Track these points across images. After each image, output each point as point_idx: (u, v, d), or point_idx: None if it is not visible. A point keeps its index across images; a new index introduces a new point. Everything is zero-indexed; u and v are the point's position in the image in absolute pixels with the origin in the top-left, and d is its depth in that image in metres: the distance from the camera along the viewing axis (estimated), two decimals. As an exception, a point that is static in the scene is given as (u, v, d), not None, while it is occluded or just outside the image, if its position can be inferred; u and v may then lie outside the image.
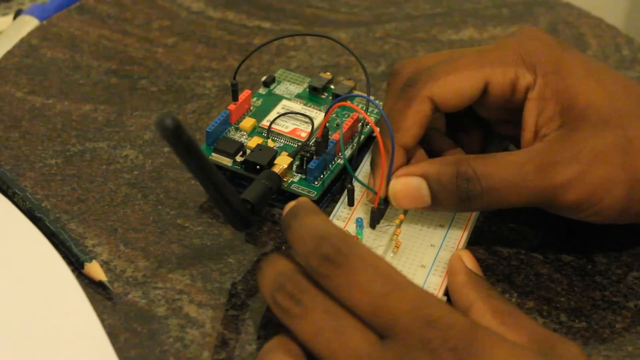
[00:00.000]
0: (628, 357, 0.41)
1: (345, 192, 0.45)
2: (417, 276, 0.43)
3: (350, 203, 0.45)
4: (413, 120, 0.43)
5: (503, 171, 0.42)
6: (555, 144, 0.42)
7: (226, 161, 0.47)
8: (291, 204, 0.39)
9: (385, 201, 0.44)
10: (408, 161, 0.44)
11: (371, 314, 0.35)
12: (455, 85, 0.43)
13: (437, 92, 0.43)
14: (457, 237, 0.44)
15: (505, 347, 0.35)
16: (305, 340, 0.37)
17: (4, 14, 0.65)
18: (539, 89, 0.43)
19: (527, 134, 0.44)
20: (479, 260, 0.43)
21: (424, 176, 0.43)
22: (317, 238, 0.37)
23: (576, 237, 0.46)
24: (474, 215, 0.46)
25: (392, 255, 0.44)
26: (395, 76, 0.46)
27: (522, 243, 0.46)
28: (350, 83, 0.51)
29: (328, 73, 0.52)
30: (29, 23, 0.60)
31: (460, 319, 0.35)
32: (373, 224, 0.45)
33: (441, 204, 0.43)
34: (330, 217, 0.45)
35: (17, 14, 0.62)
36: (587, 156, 0.42)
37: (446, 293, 0.42)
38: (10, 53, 0.57)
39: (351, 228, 0.44)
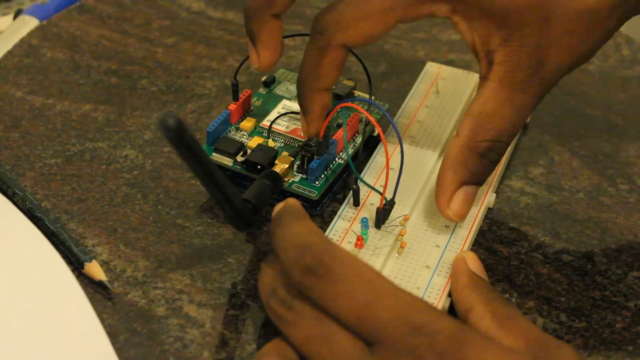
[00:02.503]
0: (628, 357, 0.41)
1: (351, 192, 0.45)
2: (422, 277, 0.42)
3: (356, 203, 0.45)
4: (330, 67, 0.43)
5: (494, 121, 0.42)
6: (514, 60, 0.42)
7: (227, 161, 0.47)
8: (278, 206, 0.39)
9: (391, 201, 0.44)
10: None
11: (356, 323, 0.35)
12: (367, 31, 0.42)
13: (349, 40, 0.42)
14: (463, 238, 0.44)
15: (495, 351, 0.35)
16: (297, 346, 0.37)
17: (4, 14, 0.65)
18: (461, 12, 0.42)
19: (474, 52, 0.43)
20: (479, 260, 0.43)
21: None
22: (299, 248, 0.36)
23: (576, 237, 0.46)
24: (480, 216, 0.46)
25: (396, 255, 0.43)
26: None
27: (522, 243, 0.46)
28: (351, 83, 0.51)
29: (328, 73, 0.52)
30: (29, 23, 0.60)
31: (448, 324, 0.34)
32: (378, 224, 0.44)
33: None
34: (336, 217, 0.45)
35: (17, 14, 0.62)
36: (552, 58, 0.41)
37: (450, 294, 0.42)
38: (10, 53, 0.57)
39: (356, 228, 0.44)
